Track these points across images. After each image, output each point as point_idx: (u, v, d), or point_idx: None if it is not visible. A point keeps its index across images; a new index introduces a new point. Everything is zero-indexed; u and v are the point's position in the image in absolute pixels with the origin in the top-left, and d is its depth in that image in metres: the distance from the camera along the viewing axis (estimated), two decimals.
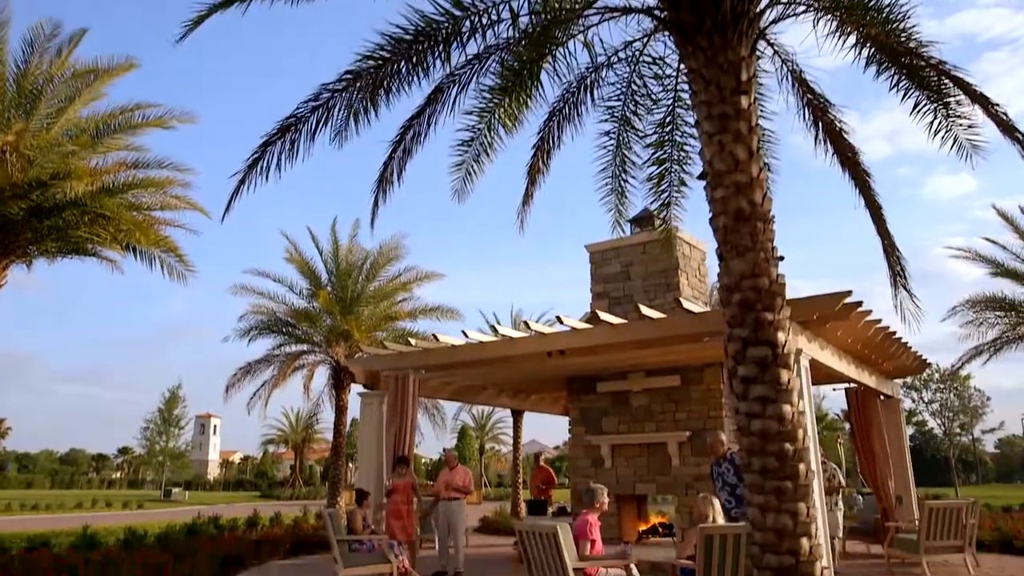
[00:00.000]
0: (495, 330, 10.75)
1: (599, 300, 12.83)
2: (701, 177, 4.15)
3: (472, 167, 7.40)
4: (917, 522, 12.08)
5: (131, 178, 10.47)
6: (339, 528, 9.78)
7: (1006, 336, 18.55)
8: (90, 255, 11.48)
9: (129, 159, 10.51)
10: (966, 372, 28.96)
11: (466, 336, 11.03)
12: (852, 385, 12.44)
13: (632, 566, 6.97)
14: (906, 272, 6.97)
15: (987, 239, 18.44)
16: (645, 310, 9.42)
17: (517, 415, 23.42)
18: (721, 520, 7.05)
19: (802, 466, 3.58)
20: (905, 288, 7.06)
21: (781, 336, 3.72)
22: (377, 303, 18.47)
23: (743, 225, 3.85)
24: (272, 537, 14.25)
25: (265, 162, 6.55)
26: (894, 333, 10.55)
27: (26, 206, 9.54)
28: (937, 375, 32.91)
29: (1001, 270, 18.16)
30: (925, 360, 13.04)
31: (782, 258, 3.87)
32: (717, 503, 7.14)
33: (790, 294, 8.68)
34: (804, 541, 3.50)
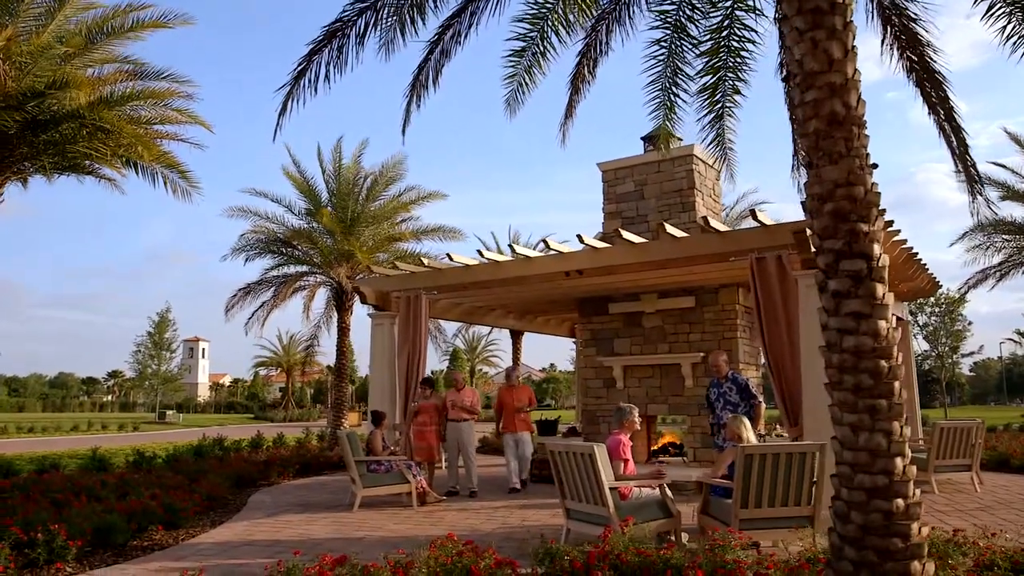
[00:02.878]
0: (512, 249, 10.52)
1: (612, 219, 12.58)
2: (785, 79, 3.85)
3: (524, 79, 6.98)
4: (922, 441, 12.28)
5: (130, 89, 9.95)
6: (357, 449, 9.75)
7: (1013, 260, 18.58)
8: (87, 172, 11.00)
9: (127, 69, 9.95)
10: (967, 297, 29.55)
11: (481, 256, 10.80)
12: None
13: (665, 485, 6.96)
14: (982, 182, 6.77)
15: (995, 163, 18.31)
16: (670, 228, 9.19)
17: (516, 337, 23.42)
18: (753, 439, 7.02)
19: (897, 384, 3.42)
20: (982, 195, 6.89)
21: (877, 248, 3.50)
22: (379, 224, 18.12)
23: (837, 130, 3.57)
24: (279, 458, 14.30)
25: (312, 73, 6.12)
26: (916, 254, 10.42)
27: (21, 118, 8.99)
28: (932, 299, 33.29)
29: (1010, 193, 18.05)
30: (938, 282, 12.99)
31: (875, 166, 3.62)
32: (748, 422, 7.10)
33: (789, 217, 8.54)
34: (898, 461, 3.38)
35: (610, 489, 6.42)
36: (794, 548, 5.55)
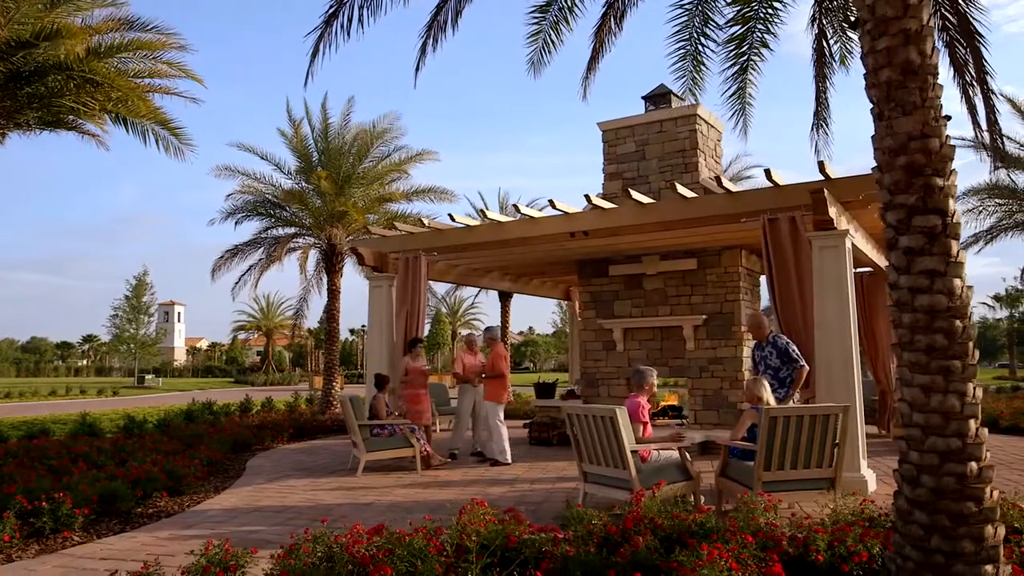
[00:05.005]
0: (517, 209, 10.28)
1: (612, 181, 12.36)
2: (854, 26, 3.67)
3: (550, 36, 6.66)
4: None
5: (120, 39, 9.44)
6: (360, 412, 9.60)
7: (1003, 224, 18.70)
8: (71, 128, 10.52)
9: (116, 17, 9.42)
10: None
11: (485, 217, 10.58)
12: (862, 270, 12.39)
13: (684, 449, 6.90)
14: (1006, 151, 6.66)
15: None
16: (680, 189, 9.02)
17: (505, 299, 23.27)
18: (773, 402, 6.95)
19: (971, 344, 3.31)
20: (1005, 166, 6.81)
21: (952, 204, 3.36)
22: (369, 184, 17.75)
23: (912, 79, 3.39)
24: (272, 422, 14.14)
25: (344, 16, 5.75)
26: None
27: (5, 70, 8.51)
28: None
29: (1006, 159, 18.02)
30: None
31: (948, 118, 3.47)
32: (767, 385, 7.02)
33: (796, 179, 8.39)
34: (972, 423, 3.28)
35: (631, 452, 6.33)
36: (824, 511, 5.50)
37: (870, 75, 3.55)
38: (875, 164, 3.59)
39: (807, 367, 7.60)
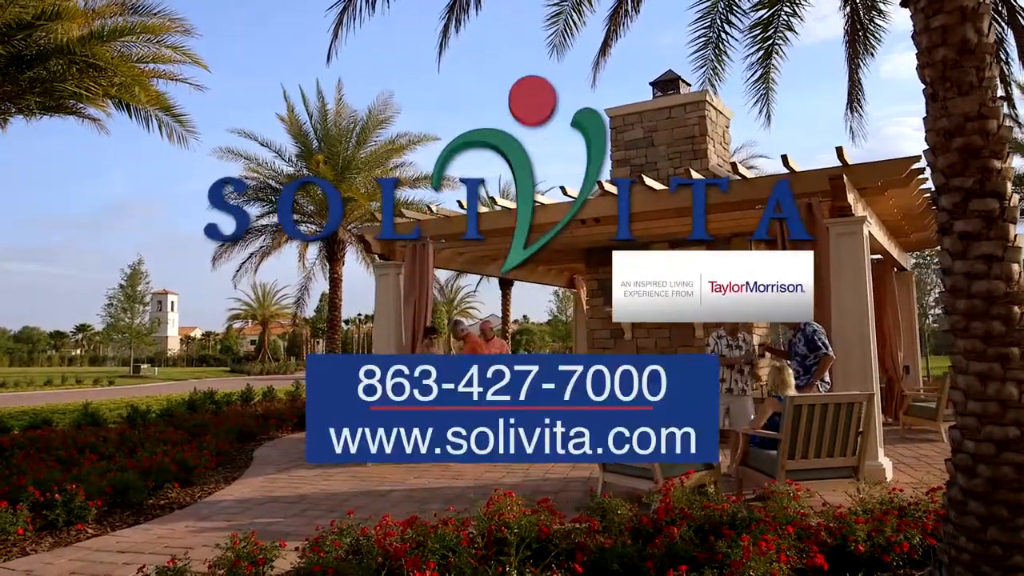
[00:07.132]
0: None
1: (619, 167, 12.24)
2: (904, 4, 3.57)
3: (571, 17, 6.47)
4: (922, 391, 12.37)
5: (123, 23, 9.24)
6: None
7: None
8: (73, 113, 10.33)
9: (118, 1, 9.22)
10: None
11: (494, 203, 10.45)
12: (872, 257, 12.31)
13: None
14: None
15: None
16: (695, 174, 8.90)
17: (506, 288, 23.16)
18: (793, 391, 6.87)
19: None
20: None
21: (1009, 187, 3.27)
22: (371, 169, 17.54)
23: (968, 59, 3.29)
24: (276, 412, 14.04)
25: None
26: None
27: (6, 52, 8.31)
28: (916, 252, 33.38)
29: (1012, 144, 17.92)
30: None
31: (1004, 99, 3.38)
32: (791, 373, 6.94)
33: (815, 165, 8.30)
34: None
35: None
36: (854, 500, 5.43)
37: (923, 54, 3.45)
38: (927, 146, 3.49)
39: (833, 356, 7.46)
